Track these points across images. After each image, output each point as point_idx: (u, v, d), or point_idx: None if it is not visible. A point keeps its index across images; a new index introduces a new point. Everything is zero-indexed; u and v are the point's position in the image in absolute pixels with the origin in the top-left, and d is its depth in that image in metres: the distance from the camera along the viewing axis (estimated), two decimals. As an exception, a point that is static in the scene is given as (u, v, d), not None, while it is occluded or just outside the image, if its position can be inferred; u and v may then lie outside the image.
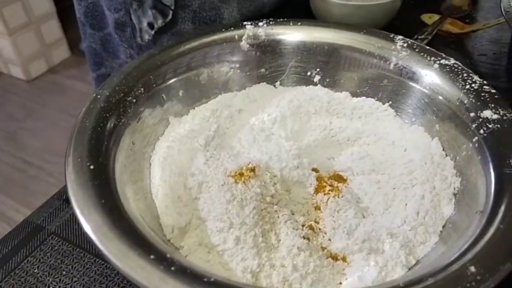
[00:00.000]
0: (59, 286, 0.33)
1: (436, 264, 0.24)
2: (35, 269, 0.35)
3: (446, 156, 0.35)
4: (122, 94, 0.35)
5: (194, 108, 0.41)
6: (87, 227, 0.25)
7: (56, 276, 0.34)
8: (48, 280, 0.34)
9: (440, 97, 0.37)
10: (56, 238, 0.36)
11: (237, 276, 0.28)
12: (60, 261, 0.35)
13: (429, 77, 0.38)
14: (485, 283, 0.22)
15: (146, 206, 0.32)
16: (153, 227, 0.30)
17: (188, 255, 0.30)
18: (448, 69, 0.38)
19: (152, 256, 0.23)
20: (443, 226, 0.31)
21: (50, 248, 0.36)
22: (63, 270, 0.34)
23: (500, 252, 0.23)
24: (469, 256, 0.23)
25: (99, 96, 0.34)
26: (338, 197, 0.34)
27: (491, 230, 0.25)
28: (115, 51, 0.58)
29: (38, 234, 0.37)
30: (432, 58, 0.39)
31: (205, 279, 0.22)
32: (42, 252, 0.36)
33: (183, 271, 0.23)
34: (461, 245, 0.25)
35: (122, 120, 0.34)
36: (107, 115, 0.33)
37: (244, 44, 0.42)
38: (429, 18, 0.61)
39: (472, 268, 0.23)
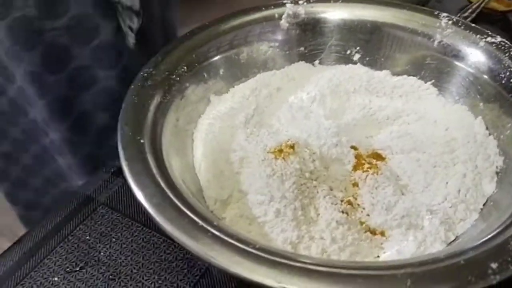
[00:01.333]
0: (109, 252, 0.36)
1: (476, 240, 0.25)
2: (86, 236, 0.37)
3: (490, 135, 0.34)
4: (167, 73, 0.37)
5: (234, 87, 0.42)
6: (140, 196, 0.26)
7: (106, 243, 0.36)
8: (99, 246, 0.36)
9: (485, 76, 0.36)
10: (106, 208, 0.39)
11: (278, 247, 0.29)
12: (110, 229, 0.37)
13: (475, 55, 0.37)
14: (527, 258, 0.22)
15: (190, 179, 0.34)
16: (197, 199, 0.32)
17: (230, 226, 0.32)
18: (494, 47, 0.37)
19: (200, 223, 0.25)
20: (484, 204, 0.31)
21: (100, 217, 0.38)
22: (113, 238, 0.37)
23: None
24: (510, 231, 0.23)
25: (145, 75, 0.36)
26: (377, 174, 0.34)
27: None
28: None
29: (88, 204, 0.39)
30: (478, 36, 0.38)
31: (251, 246, 0.24)
32: (93, 220, 0.38)
33: (229, 238, 0.24)
34: (502, 222, 0.25)
35: (167, 98, 0.36)
36: (153, 92, 0.35)
37: (284, 23, 0.43)
38: (474, -5, 0.59)
39: (515, 244, 0.23)
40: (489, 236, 0.24)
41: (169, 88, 0.36)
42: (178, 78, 0.37)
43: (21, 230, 0.55)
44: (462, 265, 0.22)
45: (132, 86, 0.35)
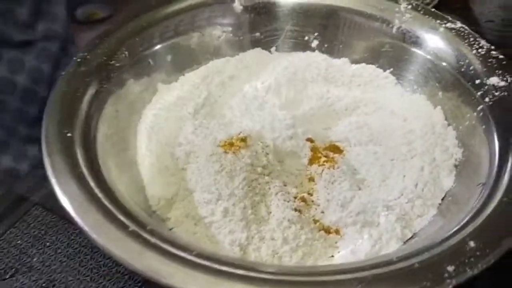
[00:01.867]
0: (43, 257, 0.32)
1: (434, 238, 0.23)
2: (18, 240, 0.33)
3: (449, 125, 0.33)
4: (105, 58, 0.33)
5: (184, 75, 0.39)
6: (62, 198, 0.23)
7: (39, 248, 0.33)
8: (32, 251, 0.33)
9: (444, 63, 0.35)
10: (40, 209, 0.35)
11: (225, 249, 0.27)
12: (44, 232, 0.34)
13: (434, 41, 0.36)
14: (485, 258, 0.20)
15: (130, 177, 0.31)
16: (138, 200, 0.29)
17: (175, 227, 0.29)
18: (454, 33, 0.36)
19: (130, 228, 0.22)
20: (442, 199, 0.29)
21: (33, 219, 0.35)
22: (47, 241, 0.33)
23: (501, 226, 0.22)
24: (468, 230, 0.22)
25: (79, 60, 0.32)
26: (334, 168, 0.32)
27: (493, 203, 0.23)
28: None
29: (21, 204, 0.36)
30: (438, 22, 0.37)
31: (187, 252, 0.21)
32: (26, 223, 0.34)
33: (163, 243, 0.21)
34: (461, 219, 0.24)
35: (105, 86, 0.32)
36: (88, 79, 0.32)
37: (237, 6, 0.40)
38: (435, -18, 0.58)
39: (472, 243, 0.21)
40: (446, 235, 0.22)
41: (107, 75, 0.33)
42: (118, 64, 0.34)
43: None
44: (417, 268, 0.20)
45: (63, 73, 0.31)
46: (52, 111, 0.28)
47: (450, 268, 0.20)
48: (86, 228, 0.22)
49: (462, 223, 0.23)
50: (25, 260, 0.32)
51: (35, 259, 0.32)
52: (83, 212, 0.23)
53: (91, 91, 0.31)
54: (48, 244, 0.33)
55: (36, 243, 0.33)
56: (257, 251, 0.27)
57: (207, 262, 0.21)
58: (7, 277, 0.31)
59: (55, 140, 0.26)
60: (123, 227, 0.22)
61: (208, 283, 0.20)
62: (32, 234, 0.34)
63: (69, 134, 0.27)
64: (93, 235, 0.22)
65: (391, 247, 0.27)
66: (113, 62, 0.33)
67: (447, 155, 0.31)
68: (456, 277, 0.20)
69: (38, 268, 0.32)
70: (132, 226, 0.22)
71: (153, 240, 0.22)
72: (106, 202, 0.24)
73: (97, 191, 0.24)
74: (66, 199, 0.23)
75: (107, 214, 0.23)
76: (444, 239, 0.22)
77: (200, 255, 0.21)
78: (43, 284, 0.31)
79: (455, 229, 0.23)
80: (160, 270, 0.20)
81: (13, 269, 0.32)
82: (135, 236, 0.22)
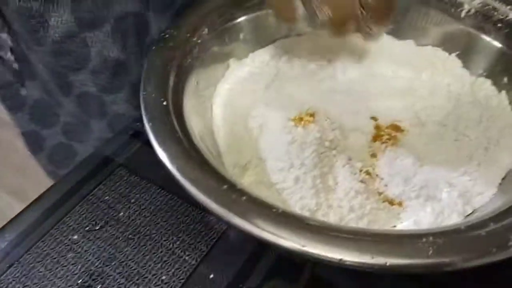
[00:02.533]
0: (129, 212, 0.36)
1: (494, 213, 0.25)
2: (106, 196, 0.38)
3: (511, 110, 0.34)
4: (188, 35, 0.36)
5: (253, 52, 0.42)
6: (164, 157, 0.27)
7: (125, 204, 0.37)
8: (118, 206, 0.37)
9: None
10: (124, 170, 0.39)
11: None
12: (129, 191, 0.38)
13: (503, 28, 0.37)
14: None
15: (210, 143, 0.34)
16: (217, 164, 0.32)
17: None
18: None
19: (224, 186, 0.25)
20: (503, 178, 0.31)
21: (119, 178, 0.39)
22: (132, 199, 0.37)
23: None
24: (534, 206, 0.24)
25: (167, 36, 0.35)
26: (396, 146, 0.34)
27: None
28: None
29: (107, 165, 0.40)
30: (508, 8, 0.37)
31: (274, 210, 0.24)
32: (112, 181, 0.39)
33: (252, 201, 0.24)
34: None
35: (188, 61, 0.35)
36: (174, 54, 0.35)
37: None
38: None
39: (537, 218, 0.23)
40: (508, 210, 0.24)
41: (190, 50, 0.36)
42: (199, 41, 0.37)
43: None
44: (483, 236, 0.22)
45: (154, 47, 0.34)
46: (147, 81, 0.31)
47: (516, 238, 0.22)
48: (187, 186, 0.25)
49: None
50: (113, 214, 0.36)
51: (121, 214, 0.36)
52: (183, 171, 0.26)
53: (176, 64, 0.34)
54: (133, 201, 0.37)
55: (122, 200, 0.37)
56: (326, 216, 0.30)
57: (290, 219, 0.24)
58: (97, 228, 0.36)
59: (153, 107, 0.30)
60: (218, 184, 0.25)
61: (292, 235, 0.23)
62: (118, 192, 0.38)
63: (164, 103, 0.30)
64: (193, 190, 0.25)
65: (453, 220, 0.29)
66: (195, 38, 0.36)
67: (510, 137, 0.32)
68: (521, 246, 0.22)
69: (124, 221, 0.36)
70: (225, 184, 0.25)
71: (244, 197, 0.25)
72: (200, 163, 0.27)
73: (192, 153, 0.27)
74: (167, 159, 0.26)
75: (203, 173, 0.26)
76: (507, 214, 0.24)
77: (285, 213, 0.24)
78: (129, 236, 0.35)
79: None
80: (253, 224, 0.23)
81: (103, 221, 0.36)
82: (229, 193, 0.25)
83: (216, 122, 0.36)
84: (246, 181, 0.33)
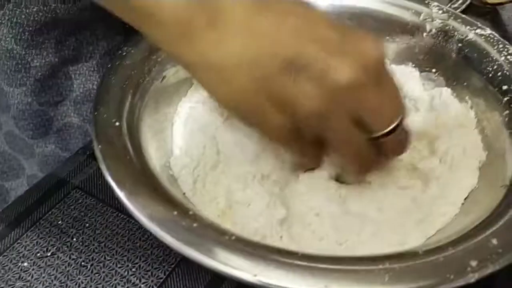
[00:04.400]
0: (82, 238, 0.34)
1: (456, 235, 0.24)
2: (59, 221, 0.36)
3: (474, 128, 0.34)
4: (147, 53, 0.35)
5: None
6: (111, 182, 0.25)
7: (79, 228, 0.35)
8: (72, 231, 0.35)
9: (473, 69, 0.36)
10: (80, 192, 0.37)
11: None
12: (84, 214, 0.36)
13: (463, 47, 0.37)
14: (507, 255, 0.22)
15: (166, 165, 0.33)
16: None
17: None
18: (483, 39, 0.37)
19: (175, 212, 0.24)
20: (465, 199, 0.31)
21: (73, 201, 0.37)
22: (86, 223, 0.35)
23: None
24: (492, 228, 0.23)
25: (124, 54, 0.34)
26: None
27: (516, 204, 0.24)
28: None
29: (62, 187, 0.38)
30: (468, 27, 0.37)
31: (227, 237, 0.23)
32: (66, 204, 0.37)
33: (205, 228, 0.23)
34: (484, 218, 0.25)
35: (147, 79, 0.34)
36: (132, 72, 0.33)
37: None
38: (464, -14, 0.58)
39: (494, 241, 0.22)
40: (469, 232, 0.24)
41: (149, 68, 0.35)
42: (159, 59, 0.36)
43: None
44: (441, 262, 0.22)
45: (109, 65, 0.33)
46: (100, 101, 0.30)
47: (473, 263, 0.21)
48: (135, 212, 0.24)
49: (485, 222, 0.24)
50: (65, 240, 0.34)
51: (74, 239, 0.34)
52: (131, 196, 0.24)
53: (134, 83, 0.33)
54: (87, 225, 0.35)
55: (76, 224, 0.35)
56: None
57: (242, 246, 0.23)
58: (49, 254, 0.34)
59: (104, 128, 0.28)
60: (168, 211, 0.24)
61: (244, 264, 0.22)
62: (72, 216, 0.36)
63: (117, 123, 0.29)
64: (142, 218, 0.23)
65: (415, 242, 0.28)
66: (154, 57, 0.35)
67: (471, 157, 0.32)
68: (479, 271, 0.21)
69: (78, 247, 0.34)
70: (176, 210, 0.24)
71: (195, 224, 0.23)
72: (151, 188, 0.25)
73: (142, 177, 0.26)
74: (115, 184, 0.25)
75: (153, 198, 0.25)
76: (468, 236, 0.23)
77: (239, 239, 0.23)
78: (82, 263, 0.33)
79: (477, 228, 0.24)
80: (202, 252, 0.22)
81: (55, 247, 0.34)
82: (180, 219, 0.23)
83: (176, 143, 0.35)
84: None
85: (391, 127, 0.26)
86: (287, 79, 0.24)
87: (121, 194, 0.25)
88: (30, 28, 0.39)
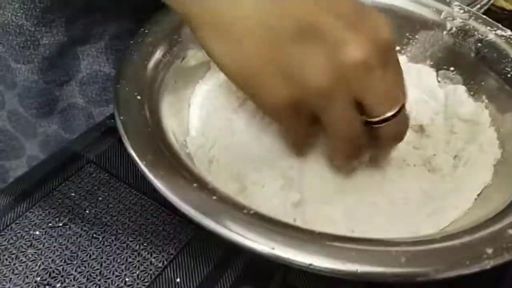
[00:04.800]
0: (95, 211, 0.35)
1: (471, 225, 0.24)
2: (72, 193, 0.36)
3: (490, 126, 0.34)
4: (169, 32, 0.35)
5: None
6: (132, 152, 0.25)
7: (92, 201, 0.35)
8: (85, 204, 0.35)
9: (491, 69, 0.36)
10: (94, 166, 0.38)
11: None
12: (97, 188, 0.36)
13: (483, 47, 0.37)
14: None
15: (184, 143, 0.33)
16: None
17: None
18: (503, 40, 0.37)
19: (194, 184, 0.24)
20: (479, 194, 0.31)
21: (87, 175, 0.37)
22: (99, 197, 0.36)
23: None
24: (508, 219, 0.23)
25: (146, 31, 0.35)
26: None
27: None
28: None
29: (76, 161, 0.38)
30: (488, 28, 0.38)
31: (245, 211, 0.23)
32: (80, 178, 0.37)
33: (223, 201, 0.23)
34: (499, 210, 0.25)
35: (167, 57, 0.34)
36: (153, 49, 0.34)
37: None
38: (483, -9, 0.58)
39: (510, 231, 0.23)
40: (485, 223, 0.24)
41: (170, 47, 0.35)
42: (180, 39, 0.36)
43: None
44: (458, 248, 0.22)
45: (132, 42, 0.33)
46: (122, 75, 0.30)
47: (489, 250, 0.21)
48: (157, 184, 0.24)
49: (501, 213, 0.24)
50: (78, 212, 0.35)
51: (87, 211, 0.35)
52: (152, 168, 0.25)
53: (155, 60, 0.33)
54: (100, 198, 0.36)
55: (89, 197, 0.36)
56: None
57: (260, 221, 0.23)
58: (60, 224, 0.34)
59: (126, 101, 0.28)
60: (188, 184, 0.24)
61: (261, 237, 0.22)
62: (86, 189, 0.36)
63: (139, 97, 0.29)
64: (163, 189, 0.24)
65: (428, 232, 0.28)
66: (176, 36, 0.35)
67: (486, 153, 0.32)
68: (494, 259, 0.21)
69: (90, 219, 0.34)
70: (196, 183, 0.24)
71: (214, 197, 0.24)
72: (170, 160, 0.26)
73: (162, 149, 0.26)
74: (136, 156, 0.25)
75: (173, 171, 0.25)
76: (484, 226, 0.23)
77: (257, 214, 0.23)
78: (94, 235, 0.33)
79: (494, 218, 0.24)
80: (221, 225, 0.22)
81: (67, 218, 0.34)
82: (199, 192, 0.24)
83: (193, 123, 0.35)
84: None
85: (391, 113, 0.25)
86: (297, 47, 0.24)
87: (141, 165, 0.25)
88: (42, 5, 0.39)
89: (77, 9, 0.41)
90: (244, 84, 0.27)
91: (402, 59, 0.41)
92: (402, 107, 0.26)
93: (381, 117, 0.26)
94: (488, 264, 0.21)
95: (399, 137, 0.29)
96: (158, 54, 0.34)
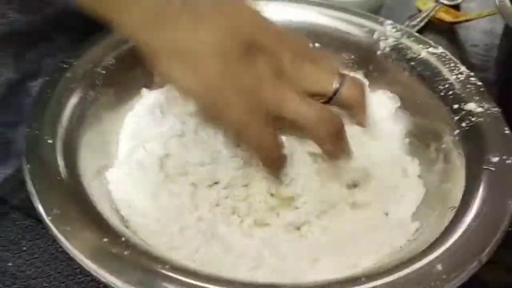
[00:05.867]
0: (19, 262, 0.32)
1: (402, 259, 0.24)
2: (-6, 244, 0.33)
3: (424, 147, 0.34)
4: (91, 65, 0.34)
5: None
6: (38, 205, 0.23)
7: (16, 252, 0.33)
8: (7, 255, 0.33)
9: (425, 87, 0.36)
10: (18, 212, 0.35)
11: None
12: (21, 237, 0.34)
13: (416, 65, 0.37)
14: (451, 282, 0.21)
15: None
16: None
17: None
18: (435, 58, 0.37)
19: (105, 239, 0.22)
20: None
21: (11, 222, 0.35)
22: (24, 246, 0.33)
23: (468, 251, 0.23)
24: (436, 253, 0.22)
25: (65, 66, 0.33)
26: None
27: (462, 228, 0.24)
28: None
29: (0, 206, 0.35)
30: (420, 46, 0.38)
31: (160, 266, 0.21)
32: (3, 226, 0.34)
33: (136, 255, 0.22)
34: (430, 241, 0.24)
35: (89, 93, 0.32)
36: (73, 86, 0.32)
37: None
38: (423, 5, 0.59)
39: (439, 266, 0.22)
40: (414, 257, 0.23)
41: (93, 82, 0.33)
42: (105, 72, 0.34)
43: None
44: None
45: (47, 78, 0.31)
46: (34, 117, 0.28)
47: (417, 290, 0.20)
48: (61, 240, 0.22)
49: (430, 246, 0.23)
50: (0, 265, 0.32)
51: (10, 264, 0.32)
52: (58, 222, 0.23)
53: (75, 98, 0.31)
54: (24, 249, 0.33)
55: (13, 248, 0.33)
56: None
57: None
58: (-18, 281, 0.31)
59: (36, 146, 0.26)
60: (97, 239, 0.22)
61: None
62: (9, 238, 0.34)
63: (49, 141, 0.27)
64: (67, 245, 0.22)
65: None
66: (99, 69, 0.34)
67: (415, 180, 0.32)
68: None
69: (13, 273, 0.32)
70: (106, 237, 0.22)
71: (126, 252, 0.22)
72: (82, 211, 0.24)
73: (75, 200, 0.24)
74: (41, 208, 0.23)
75: (83, 223, 0.23)
76: (413, 261, 0.22)
77: (174, 267, 0.22)
78: (17, 290, 0.31)
79: (423, 252, 0.23)
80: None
81: (-13, 274, 0.32)
82: (110, 246, 0.22)
83: (120, 158, 0.33)
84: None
85: (336, 82, 0.30)
86: (247, 63, 0.27)
87: (47, 220, 0.23)
88: None
89: (25, 42, 0.39)
90: (209, 106, 0.29)
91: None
92: (341, 76, 0.30)
93: (331, 91, 0.30)
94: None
95: (358, 95, 0.31)
96: (79, 92, 0.32)
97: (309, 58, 0.30)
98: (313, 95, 0.29)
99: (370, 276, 0.21)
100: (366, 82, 0.38)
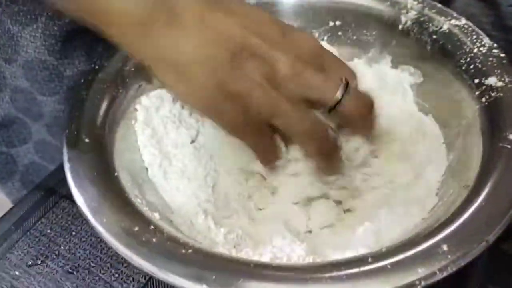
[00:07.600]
0: (69, 246, 0.36)
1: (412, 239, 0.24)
2: (47, 230, 0.37)
3: (443, 127, 0.34)
4: (121, 64, 0.36)
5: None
6: (77, 199, 0.26)
7: (66, 237, 0.37)
8: (60, 240, 0.37)
9: (447, 61, 0.35)
10: (67, 201, 0.39)
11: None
12: (70, 223, 0.38)
13: (438, 39, 0.36)
14: (455, 262, 0.22)
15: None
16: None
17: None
18: (457, 30, 0.36)
19: (136, 228, 0.25)
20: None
21: (61, 210, 0.39)
22: (73, 231, 0.37)
23: (476, 232, 0.23)
24: (443, 234, 0.23)
25: (97, 67, 0.35)
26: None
27: (472, 207, 0.24)
28: None
29: (50, 197, 0.39)
30: (442, 18, 0.37)
31: (183, 251, 0.24)
32: (54, 214, 0.38)
33: (163, 242, 0.24)
34: (442, 220, 0.25)
35: (120, 90, 0.35)
36: (105, 86, 0.34)
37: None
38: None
39: (445, 247, 0.23)
40: (421, 237, 0.24)
41: (123, 80, 0.35)
42: (133, 69, 0.36)
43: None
44: (389, 269, 0.22)
45: (82, 81, 0.34)
46: (71, 118, 0.31)
47: (421, 270, 0.22)
48: (100, 231, 0.25)
49: (438, 226, 0.24)
50: (53, 248, 0.36)
51: (62, 247, 0.36)
52: (96, 215, 0.26)
53: (107, 98, 0.34)
54: (73, 233, 0.37)
55: (64, 233, 0.37)
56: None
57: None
58: (39, 263, 0.36)
59: (73, 145, 0.29)
60: (130, 229, 0.25)
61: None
62: (60, 225, 0.38)
63: (86, 140, 0.30)
64: (107, 238, 0.25)
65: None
66: (127, 68, 0.36)
67: (437, 155, 0.32)
68: (425, 279, 0.21)
69: (65, 255, 0.36)
70: (137, 226, 0.25)
71: (154, 239, 0.24)
72: (115, 205, 0.26)
73: (108, 194, 0.27)
74: (83, 202, 0.26)
75: (118, 216, 0.26)
76: (419, 241, 0.23)
77: (196, 249, 0.24)
78: (69, 270, 0.35)
79: (430, 231, 0.24)
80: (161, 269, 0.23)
81: (44, 256, 0.36)
82: (139, 235, 0.24)
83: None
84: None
85: (339, 93, 0.27)
86: (236, 69, 0.27)
87: (86, 212, 0.26)
88: (62, 39, 0.41)
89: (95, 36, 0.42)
90: (205, 113, 0.31)
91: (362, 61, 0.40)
92: (347, 85, 0.28)
93: (332, 101, 0.27)
94: (418, 285, 0.21)
95: (363, 110, 0.29)
96: (111, 90, 0.34)
97: (315, 62, 0.28)
98: (313, 104, 0.28)
99: (376, 257, 0.23)
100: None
